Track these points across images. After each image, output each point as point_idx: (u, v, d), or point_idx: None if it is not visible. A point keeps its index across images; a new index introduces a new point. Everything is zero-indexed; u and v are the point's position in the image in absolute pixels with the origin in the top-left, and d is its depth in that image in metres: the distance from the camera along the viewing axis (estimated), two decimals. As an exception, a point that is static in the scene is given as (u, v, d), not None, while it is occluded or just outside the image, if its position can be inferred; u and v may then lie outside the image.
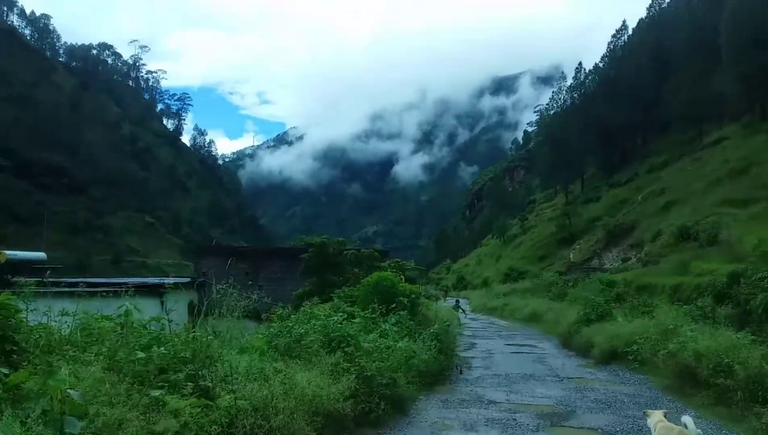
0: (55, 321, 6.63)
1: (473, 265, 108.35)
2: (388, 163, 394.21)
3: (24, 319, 5.99)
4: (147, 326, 7.29)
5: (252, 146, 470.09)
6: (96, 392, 4.76)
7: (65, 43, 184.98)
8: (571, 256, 64.90)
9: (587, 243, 65.18)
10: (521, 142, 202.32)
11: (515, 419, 9.26)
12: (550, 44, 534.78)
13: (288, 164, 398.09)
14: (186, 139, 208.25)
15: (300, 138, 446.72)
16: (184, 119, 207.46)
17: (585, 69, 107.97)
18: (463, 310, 31.08)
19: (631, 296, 22.54)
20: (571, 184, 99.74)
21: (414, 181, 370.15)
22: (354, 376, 7.92)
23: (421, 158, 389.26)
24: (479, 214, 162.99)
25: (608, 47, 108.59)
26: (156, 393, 5.03)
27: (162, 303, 19.56)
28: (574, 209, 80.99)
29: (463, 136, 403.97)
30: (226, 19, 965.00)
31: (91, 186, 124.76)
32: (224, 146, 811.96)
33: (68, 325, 6.66)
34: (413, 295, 15.25)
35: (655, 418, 6.83)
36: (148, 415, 4.77)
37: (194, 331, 7.13)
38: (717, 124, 69.40)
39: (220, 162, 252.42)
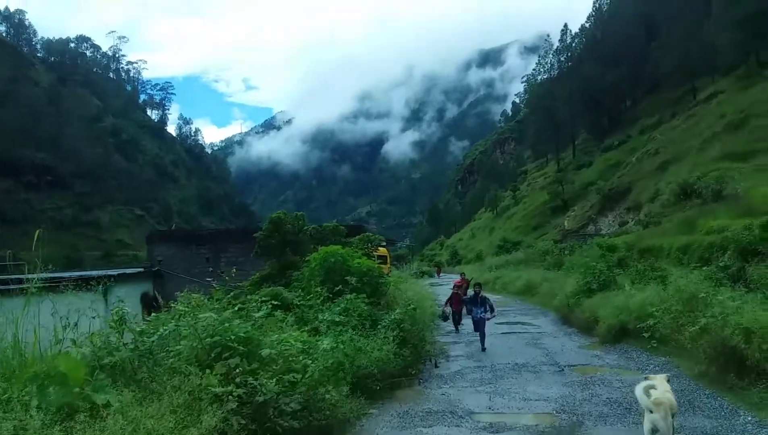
0: None
1: (467, 239, 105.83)
2: (377, 142, 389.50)
3: None
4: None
5: (240, 133, 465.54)
6: None
7: (42, 38, 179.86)
8: (566, 223, 62.59)
9: (582, 209, 62.85)
10: (510, 113, 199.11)
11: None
12: (538, 12, 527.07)
13: (277, 149, 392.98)
14: (171, 129, 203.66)
15: (288, 122, 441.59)
16: (169, 109, 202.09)
17: (571, 31, 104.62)
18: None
19: (635, 260, 19.93)
20: (562, 152, 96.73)
21: (404, 159, 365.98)
22: (233, 405, 5.06)
23: (411, 136, 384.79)
24: (471, 188, 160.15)
25: (593, 5, 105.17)
26: None
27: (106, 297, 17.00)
28: (566, 176, 78.27)
29: (452, 111, 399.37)
30: (207, 5, 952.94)
31: (75, 181, 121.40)
32: (213, 135, 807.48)
33: None
34: (372, 274, 12.36)
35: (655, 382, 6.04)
36: None
37: None
38: (709, 78, 66.71)
39: (209, 150, 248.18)
